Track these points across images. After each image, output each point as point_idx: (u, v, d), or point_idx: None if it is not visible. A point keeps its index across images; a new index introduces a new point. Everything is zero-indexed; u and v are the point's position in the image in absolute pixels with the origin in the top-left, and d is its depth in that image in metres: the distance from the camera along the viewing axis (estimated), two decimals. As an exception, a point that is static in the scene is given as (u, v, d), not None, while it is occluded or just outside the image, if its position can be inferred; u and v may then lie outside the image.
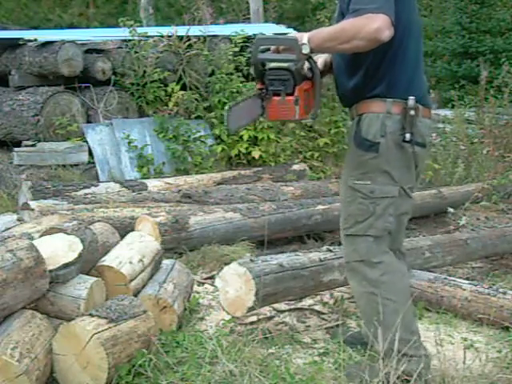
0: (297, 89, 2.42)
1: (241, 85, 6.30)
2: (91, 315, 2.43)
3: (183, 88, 6.34)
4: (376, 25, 2.16)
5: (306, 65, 2.45)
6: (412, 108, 2.36)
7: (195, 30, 6.73)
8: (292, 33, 2.46)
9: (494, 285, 3.62)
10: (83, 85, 6.10)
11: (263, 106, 2.47)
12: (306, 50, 2.32)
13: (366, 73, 2.39)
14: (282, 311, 3.31)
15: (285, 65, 2.40)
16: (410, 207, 2.58)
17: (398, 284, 2.49)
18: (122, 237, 3.35)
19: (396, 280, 2.49)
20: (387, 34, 2.19)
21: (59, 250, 2.70)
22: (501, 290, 3.26)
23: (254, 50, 2.42)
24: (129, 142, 5.91)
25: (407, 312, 2.44)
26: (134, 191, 4.91)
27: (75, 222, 3.04)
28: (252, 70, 2.52)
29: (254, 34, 6.81)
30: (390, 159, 2.40)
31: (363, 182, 2.44)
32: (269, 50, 2.44)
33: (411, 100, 2.36)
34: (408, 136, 2.37)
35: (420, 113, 2.41)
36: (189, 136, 6.11)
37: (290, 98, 2.42)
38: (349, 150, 2.55)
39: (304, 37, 2.32)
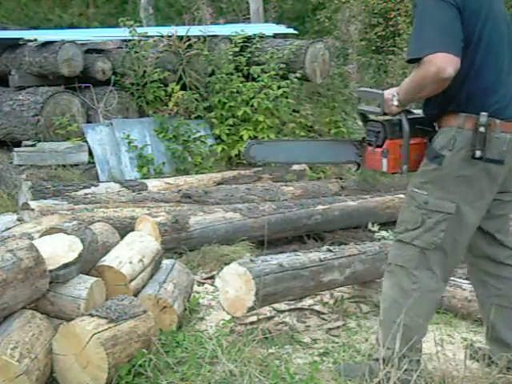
0: (386, 142, 2.50)
1: (241, 85, 6.30)
2: (91, 315, 2.43)
3: (183, 88, 6.33)
4: (434, 68, 2.18)
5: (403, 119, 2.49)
6: (483, 124, 2.27)
7: (195, 30, 6.73)
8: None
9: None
10: (83, 85, 6.10)
11: (358, 154, 2.63)
12: (395, 102, 2.42)
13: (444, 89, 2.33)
14: (282, 311, 3.31)
15: (380, 118, 2.51)
16: (467, 234, 2.44)
17: (424, 306, 2.44)
18: (122, 237, 3.35)
19: (425, 302, 2.44)
20: (449, 70, 2.19)
21: (59, 250, 2.70)
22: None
23: (356, 102, 2.52)
24: (129, 142, 5.91)
25: (419, 331, 2.44)
26: (134, 191, 4.91)
27: (75, 222, 3.04)
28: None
29: (254, 34, 6.82)
30: (452, 175, 2.33)
31: (421, 191, 2.39)
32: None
33: (482, 116, 2.27)
34: (478, 153, 2.28)
35: (497, 128, 2.30)
36: (189, 136, 6.11)
37: (378, 149, 2.51)
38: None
39: (395, 90, 2.44)
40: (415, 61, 2.26)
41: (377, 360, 2.42)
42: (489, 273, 2.59)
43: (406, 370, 2.34)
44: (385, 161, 2.51)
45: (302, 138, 6.65)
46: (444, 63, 2.18)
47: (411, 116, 2.52)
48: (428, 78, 2.22)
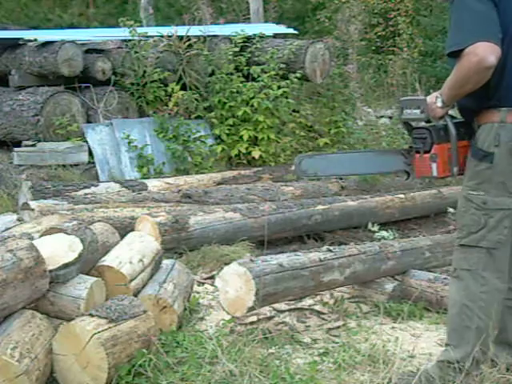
0: (434, 146, 2.51)
1: (241, 85, 6.30)
2: (91, 315, 2.43)
3: (183, 88, 6.34)
4: (477, 58, 2.18)
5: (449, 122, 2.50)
6: None
7: (195, 30, 6.73)
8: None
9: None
10: (83, 85, 6.11)
11: (406, 163, 2.64)
12: (439, 104, 2.43)
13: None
14: (282, 311, 3.30)
15: (426, 124, 2.53)
16: None
17: (492, 306, 2.40)
18: (122, 237, 3.35)
19: (493, 303, 2.40)
20: (492, 58, 2.19)
21: (59, 250, 2.70)
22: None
23: (399, 111, 2.59)
24: (129, 142, 5.91)
25: (490, 331, 2.40)
26: (134, 191, 4.91)
27: (75, 222, 3.04)
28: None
29: (254, 34, 6.82)
30: (505, 170, 2.32)
31: (477, 192, 2.38)
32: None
33: None
34: None
35: None
36: (189, 136, 6.11)
37: (426, 155, 2.52)
38: (468, 160, 2.49)
39: (437, 92, 2.44)
40: (456, 54, 2.25)
41: (446, 363, 2.39)
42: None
43: (471, 374, 2.35)
44: (434, 165, 2.53)
45: (301, 136, 6.65)
46: (485, 52, 2.18)
47: (455, 120, 2.53)
48: (472, 68, 2.21)
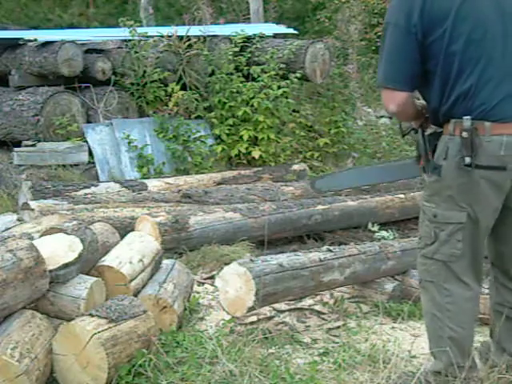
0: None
1: (241, 85, 6.30)
2: (91, 315, 2.43)
3: (183, 88, 6.34)
4: (383, 102, 2.34)
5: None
6: (466, 129, 2.17)
7: (195, 30, 6.73)
8: None
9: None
10: (83, 85, 6.10)
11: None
12: None
13: (433, 98, 2.32)
14: (282, 311, 3.30)
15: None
16: (484, 236, 2.37)
17: (463, 315, 2.37)
18: (122, 237, 3.35)
19: (462, 312, 2.37)
20: (391, 107, 2.32)
21: (59, 250, 2.70)
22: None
23: (399, 125, 2.68)
24: (129, 142, 5.92)
25: (467, 339, 2.39)
26: (134, 191, 4.91)
27: (75, 222, 3.04)
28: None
29: (254, 34, 6.82)
30: (453, 184, 2.25)
31: (429, 204, 2.34)
32: None
33: (465, 120, 2.18)
34: (467, 160, 2.18)
35: (485, 131, 2.18)
36: (189, 136, 6.11)
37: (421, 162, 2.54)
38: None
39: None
40: None
41: (434, 373, 2.39)
42: (502, 283, 2.52)
43: (465, 379, 2.33)
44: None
45: (301, 136, 6.65)
46: (386, 100, 2.32)
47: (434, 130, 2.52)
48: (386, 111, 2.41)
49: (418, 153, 2.52)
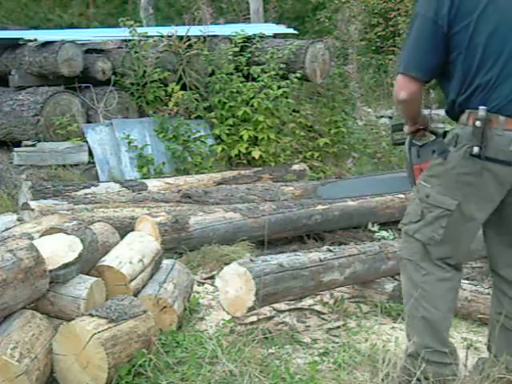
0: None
1: (241, 85, 6.30)
2: (91, 315, 2.43)
3: (183, 88, 6.33)
4: (395, 89, 2.37)
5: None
6: (480, 119, 2.20)
7: (195, 30, 6.72)
8: None
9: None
10: (83, 85, 6.10)
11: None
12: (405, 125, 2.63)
13: (452, 89, 2.35)
14: (282, 311, 3.30)
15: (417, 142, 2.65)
16: (472, 232, 2.37)
17: (439, 297, 2.38)
18: (122, 237, 3.35)
19: (438, 293, 2.38)
20: (402, 94, 2.34)
21: (59, 250, 2.70)
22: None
23: (390, 136, 2.82)
24: (129, 142, 5.91)
25: (441, 323, 2.39)
26: (134, 191, 4.91)
27: (75, 222, 3.04)
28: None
29: (254, 34, 6.82)
30: (455, 171, 2.29)
31: (425, 184, 2.38)
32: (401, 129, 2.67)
33: (481, 110, 2.21)
34: (476, 149, 2.21)
35: (499, 124, 2.22)
36: (189, 136, 6.10)
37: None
38: None
39: None
40: None
41: (409, 356, 2.40)
42: (501, 290, 2.51)
43: (434, 362, 2.33)
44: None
45: (301, 136, 6.65)
46: (400, 87, 2.34)
47: (425, 141, 2.57)
48: (394, 97, 2.42)
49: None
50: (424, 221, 2.36)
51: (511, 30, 2.26)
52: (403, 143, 2.64)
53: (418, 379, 2.29)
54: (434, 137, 2.62)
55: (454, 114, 2.39)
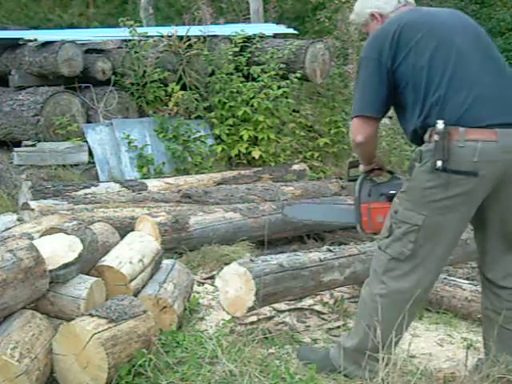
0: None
1: (241, 85, 6.30)
2: (91, 315, 2.43)
3: (183, 88, 6.34)
4: (351, 133, 2.47)
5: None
6: (438, 133, 2.22)
7: (195, 30, 6.73)
8: None
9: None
10: (83, 85, 6.10)
11: None
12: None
13: (410, 116, 2.40)
14: (282, 311, 3.30)
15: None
16: (446, 246, 2.38)
17: (390, 311, 2.39)
18: (122, 237, 3.35)
19: (392, 305, 2.40)
20: (359, 137, 2.45)
21: (59, 250, 2.70)
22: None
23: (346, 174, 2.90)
24: (129, 142, 5.92)
25: (383, 333, 2.37)
26: (134, 191, 4.91)
27: (75, 222, 3.04)
28: None
29: (254, 34, 6.82)
30: (420, 187, 2.31)
31: (397, 200, 2.41)
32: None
33: (439, 124, 2.22)
34: (439, 163, 2.22)
35: (460, 136, 2.22)
36: (189, 136, 6.11)
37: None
38: None
39: None
40: None
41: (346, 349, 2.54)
42: (489, 288, 2.53)
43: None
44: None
45: (301, 136, 6.65)
46: (356, 130, 2.44)
47: (378, 182, 2.65)
48: (351, 141, 2.56)
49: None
50: (393, 236, 2.40)
51: (451, 50, 2.33)
52: (354, 179, 2.71)
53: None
54: (390, 176, 2.70)
55: (418, 140, 2.40)
